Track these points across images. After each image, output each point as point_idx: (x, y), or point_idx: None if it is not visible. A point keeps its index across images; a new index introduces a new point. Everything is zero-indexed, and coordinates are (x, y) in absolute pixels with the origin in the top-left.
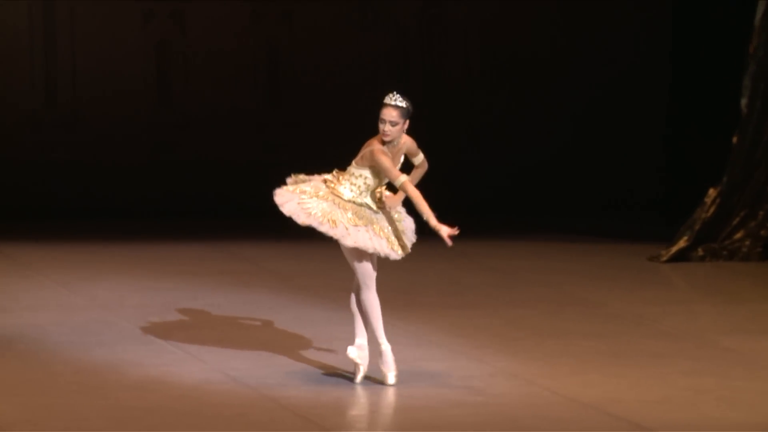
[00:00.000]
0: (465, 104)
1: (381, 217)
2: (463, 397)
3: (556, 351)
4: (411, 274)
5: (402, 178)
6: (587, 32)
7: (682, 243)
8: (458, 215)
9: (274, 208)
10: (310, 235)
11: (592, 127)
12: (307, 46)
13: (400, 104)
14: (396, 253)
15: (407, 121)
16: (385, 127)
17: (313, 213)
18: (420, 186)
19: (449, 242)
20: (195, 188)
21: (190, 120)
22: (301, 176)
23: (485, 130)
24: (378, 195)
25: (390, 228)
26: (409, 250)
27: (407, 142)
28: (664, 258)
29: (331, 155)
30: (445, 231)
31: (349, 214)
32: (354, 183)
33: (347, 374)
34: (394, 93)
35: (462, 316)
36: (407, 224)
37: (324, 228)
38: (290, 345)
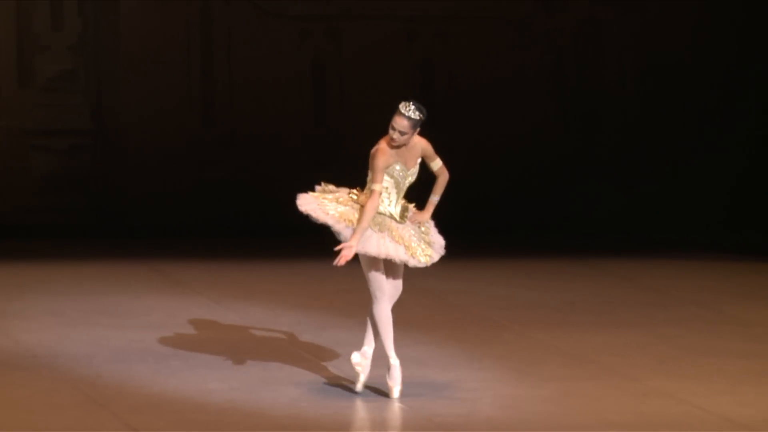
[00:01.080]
0: (618, 119)
1: (404, 227)
2: (616, 417)
3: (709, 370)
4: (563, 293)
5: (377, 187)
6: (734, 48)
7: None
8: (604, 230)
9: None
10: (461, 253)
11: (734, 141)
12: (462, 65)
13: (412, 116)
14: (416, 260)
15: (418, 129)
16: (394, 135)
17: (330, 213)
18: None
19: (340, 259)
20: None
21: (345, 139)
22: (330, 186)
23: (635, 143)
24: (404, 204)
25: (415, 237)
26: (435, 261)
27: (421, 142)
28: None
29: (485, 171)
30: (345, 250)
31: None
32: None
33: (492, 389)
34: (410, 103)
35: (614, 335)
36: (435, 238)
37: (339, 227)
38: (444, 363)
